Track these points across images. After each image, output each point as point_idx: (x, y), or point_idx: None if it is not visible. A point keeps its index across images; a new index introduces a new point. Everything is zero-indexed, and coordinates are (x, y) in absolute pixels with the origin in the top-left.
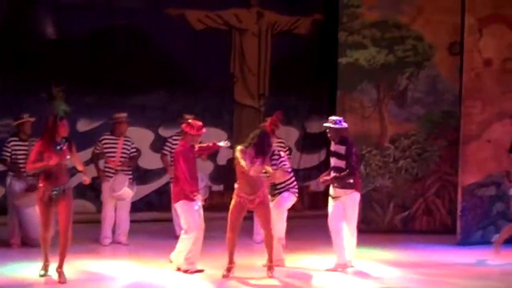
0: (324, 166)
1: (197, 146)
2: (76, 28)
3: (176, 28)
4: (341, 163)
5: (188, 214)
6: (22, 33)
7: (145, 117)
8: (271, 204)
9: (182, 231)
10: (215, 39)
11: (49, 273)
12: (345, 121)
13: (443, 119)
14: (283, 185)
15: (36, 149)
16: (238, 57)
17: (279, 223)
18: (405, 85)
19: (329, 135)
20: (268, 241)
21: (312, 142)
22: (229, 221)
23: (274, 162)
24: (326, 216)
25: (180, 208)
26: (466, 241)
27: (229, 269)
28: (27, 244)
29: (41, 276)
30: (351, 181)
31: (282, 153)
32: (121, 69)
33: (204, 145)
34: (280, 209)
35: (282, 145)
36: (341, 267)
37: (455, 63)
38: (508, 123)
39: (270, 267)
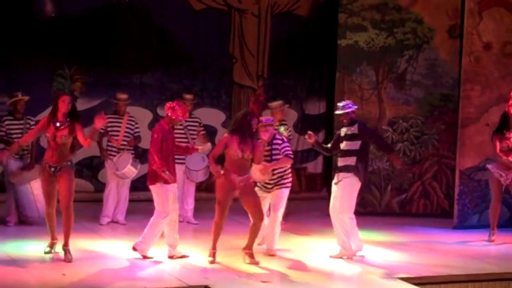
0: None
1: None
2: (75, 6)
3: (176, 8)
4: (354, 145)
5: (164, 198)
6: (21, 12)
7: (144, 97)
8: (268, 200)
9: (155, 215)
10: (215, 19)
11: (54, 250)
12: (352, 102)
13: (441, 102)
14: (280, 176)
15: (39, 124)
16: (237, 37)
17: (276, 227)
18: (404, 67)
19: (344, 121)
20: (254, 230)
21: (311, 123)
22: (218, 205)
23: (275, 147)
24: (323, 198)
25: (155, 190)
26: (462, 225)
27: (213, 254)
28: (24, 222)
29: (46, 253)
30: (353, 163)
31: (284, 139)
32: (120, 48)
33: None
34: (278, 212)
35: (286, 126)
36: (346, 255)
37: (454, 46)
38: (506, 107)
39: (250, 254)
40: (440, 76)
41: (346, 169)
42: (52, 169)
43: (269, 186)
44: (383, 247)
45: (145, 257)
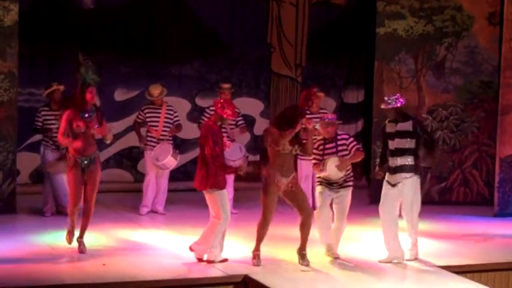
0: (360, 136)
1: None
2: None
3: None
4: (408, 143)
5: (223, 202)
6: (61, 4)
7: (182, 87)
8: (330, 199)
9: (214, 218)
10: (253, 8)
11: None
12: (401, 96)
13: (481, 89)
14: (346, 174)
15: (64, 118)
16: (275, 27)
17: (339, 234)
18: (444, 55)
19: (389, 115)
20: (305, 227)
21: (349, 112)
22: (266, 207)
23: (342, 143)
24: (362, 186)
25: (211, 196)
26: (503, 213)
27: (258, 256)
28: (61, 213)
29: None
30: (412, 162)
31: (349, 134)
32: (158, 38)
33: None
34: (345, 216)
35: (319, 123)
36: (396, 259)
37: (494, 33)
38: None
39: (303, 256)
40: (480, 63)
41: (403, 169)
42: (86, 162)
43: (335, 185)
44: (423, 235)
45: (199, 259)
